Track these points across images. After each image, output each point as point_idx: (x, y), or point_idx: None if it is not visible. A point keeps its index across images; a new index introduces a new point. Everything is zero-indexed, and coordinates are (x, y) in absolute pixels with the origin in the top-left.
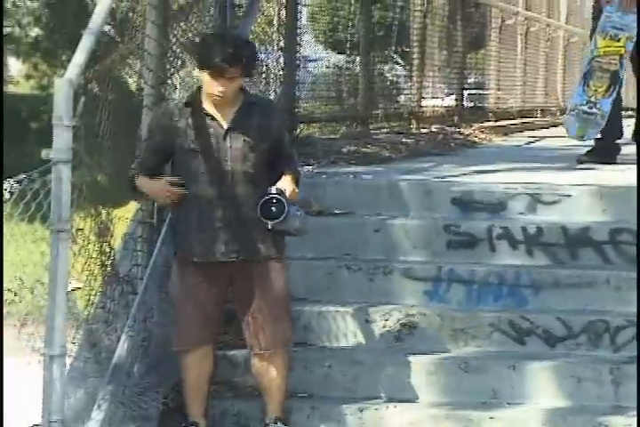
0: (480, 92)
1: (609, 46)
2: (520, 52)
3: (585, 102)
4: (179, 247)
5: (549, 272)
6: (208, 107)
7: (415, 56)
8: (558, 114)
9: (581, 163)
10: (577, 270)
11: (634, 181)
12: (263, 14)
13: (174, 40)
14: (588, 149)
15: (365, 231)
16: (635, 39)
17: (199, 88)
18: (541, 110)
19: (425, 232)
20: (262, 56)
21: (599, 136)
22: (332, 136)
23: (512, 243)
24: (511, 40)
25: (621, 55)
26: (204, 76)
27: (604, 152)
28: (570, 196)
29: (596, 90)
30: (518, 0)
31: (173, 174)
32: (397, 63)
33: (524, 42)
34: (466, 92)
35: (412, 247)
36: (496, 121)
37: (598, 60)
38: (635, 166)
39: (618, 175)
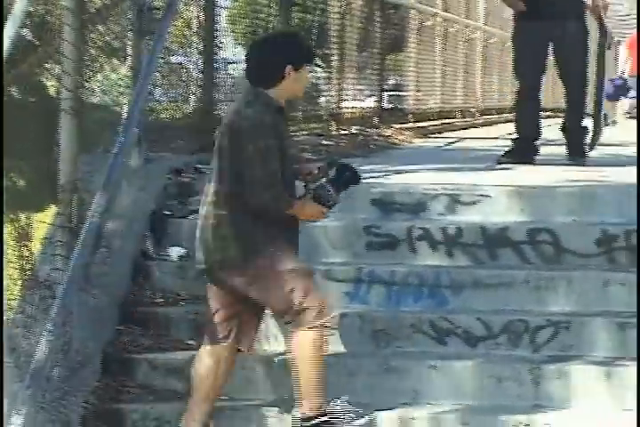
0: (399, 93)
1: None
2: (439, 53)
3: None
4: (278, 248)
5: (469, 272)
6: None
7: (334, 58)
8: (477, 115)
9: (500, 163)
10: (496, 270)
11: (551, 181)
12: (182, 17)
13: (92, 43)
14: (507, 149)
15: None
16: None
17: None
18: (461, 111)
19: (345, 233)
20: (181, 59)
21: (516, 136)
22: None
23: (432, 243)
24: (430, 41)
25: None
26: (303, 73)
27: (522, 152)
28: (489, 196)
29: None
30: (437, 1)
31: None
32: (317, 65)
33: (442, 43)
34: (385, 94)
35: (333, 249)
36: (416, 122)
37: None
38: (553, 166)
39: (535, 176)
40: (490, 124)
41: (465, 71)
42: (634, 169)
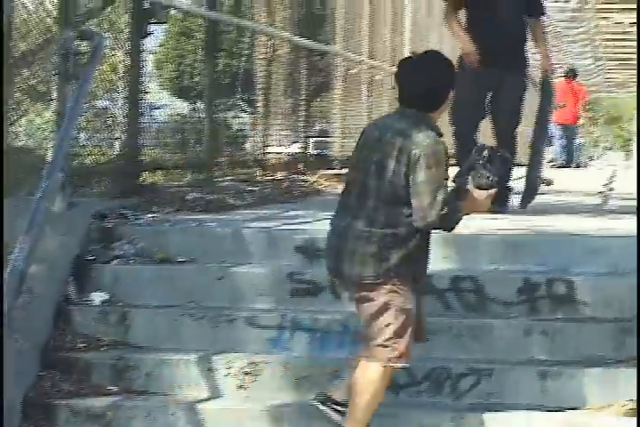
0: (325, 139)
1: None
2: (365, 100)
3: None
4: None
5: None
6: None
7: (260, 104)
8: None
9: None
10: None
11: (476, 229)
12: (107, 62)
13: (17, 87)
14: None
15: (209, 279)
16: None
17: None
18: None
19: (269, 280)
20: (107, 103)
21: None
22: (177, 183)
23: None
24: (356, 88)
25: None
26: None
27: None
28: None
29: None
30: (362, 49)
31: None
32: (243, 111)
33: (368, 90)
34: (311, 140)
35: (257, 295)
36: (341, 168)
37: None
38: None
39: (460, 223)
40: None
41: None
42: (558, 217)
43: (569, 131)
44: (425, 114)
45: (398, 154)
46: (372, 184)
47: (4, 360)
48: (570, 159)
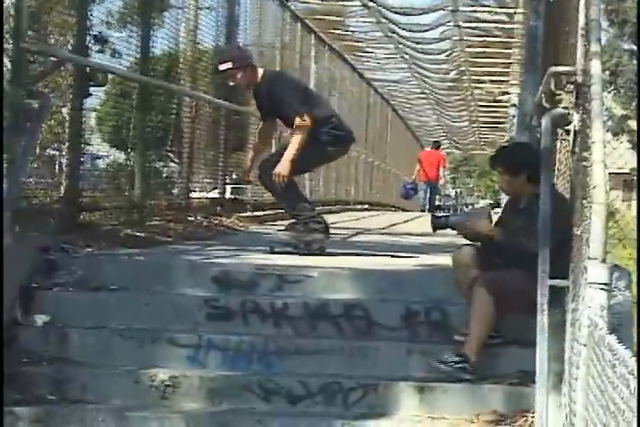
0: (240, 186)
1: None
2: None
3: None
4: None
5: (293, 341)
6: None
7: (185, 156)
8: None
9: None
10: (316, 340)
11: (363, 265)
12: (54, 118)
13: None
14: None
15: (137, 304)
16: None
17: None
18: None
19: (188, 306)
20: (53, 153)
21: None
22: (112, 223)
23: (262, 316)
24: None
25: None
26: None
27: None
28: (311, 276)
29: None
30: None
31: None
32: (172, 161)
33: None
34: (228, 187)
35: (177, 318)
36: (253, 211)
37: None
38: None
39: (353, 259)
40: None
41: None
42: (431, 257)
43: (431, 186)
44: None
45: None
46: None
47: None
48: (430, 206)
